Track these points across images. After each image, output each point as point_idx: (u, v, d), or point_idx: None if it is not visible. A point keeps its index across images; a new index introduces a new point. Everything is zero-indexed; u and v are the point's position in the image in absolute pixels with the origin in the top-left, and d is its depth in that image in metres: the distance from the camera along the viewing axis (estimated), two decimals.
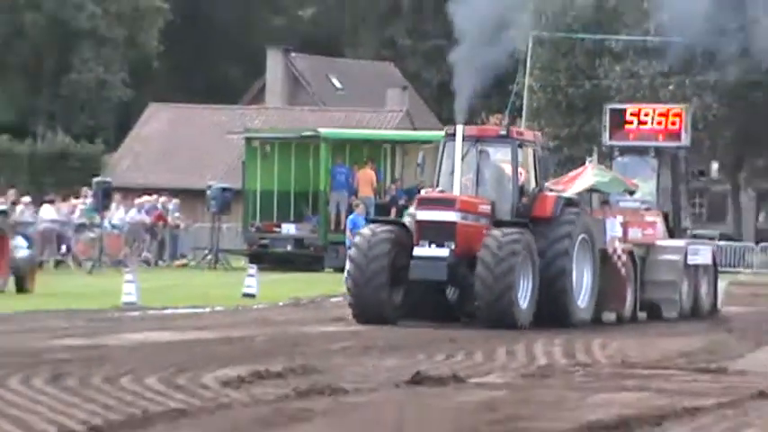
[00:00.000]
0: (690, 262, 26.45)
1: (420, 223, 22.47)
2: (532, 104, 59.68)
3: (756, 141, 61.58)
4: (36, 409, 11.75)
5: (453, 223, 22.05)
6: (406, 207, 35.41)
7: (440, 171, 23.67)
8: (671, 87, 56.62)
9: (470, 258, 21.97)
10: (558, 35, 60.55)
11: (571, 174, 26.82)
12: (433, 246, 21.96)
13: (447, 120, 62.30)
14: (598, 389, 14.55)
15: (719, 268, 30.48)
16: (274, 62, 69.22)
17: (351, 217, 33.28)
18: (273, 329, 21.34)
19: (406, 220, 23.94)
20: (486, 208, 22.78)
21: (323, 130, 45.21)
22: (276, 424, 11.02)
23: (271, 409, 11.93)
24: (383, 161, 45.84)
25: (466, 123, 23.65)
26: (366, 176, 43.13)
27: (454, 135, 22.90)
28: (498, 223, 22.53)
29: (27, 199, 39.56)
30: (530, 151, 23.98)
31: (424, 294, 22.81)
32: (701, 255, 27.35)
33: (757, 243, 56.51)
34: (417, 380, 14.34)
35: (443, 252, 21.88)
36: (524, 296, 21.92)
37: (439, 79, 71.70)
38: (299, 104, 64.74)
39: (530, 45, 57.94)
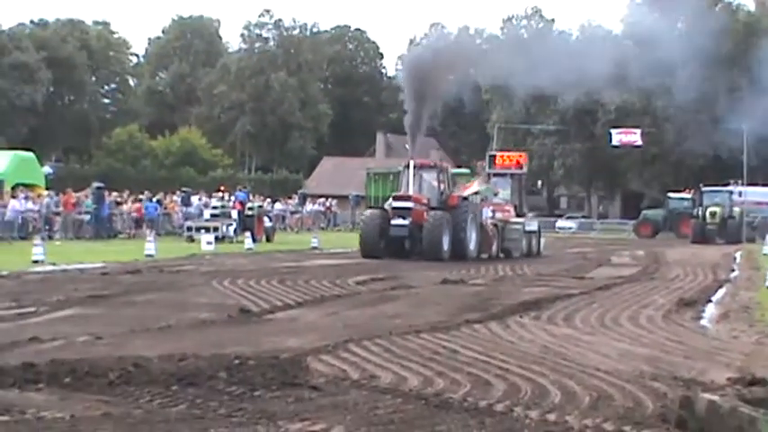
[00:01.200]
0: (526, 229, 42.43)
1: (394, 208, 37.38)
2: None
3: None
4: (258, 295, 24.30)
5: (410, 208, 37.00)
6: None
7: (401, 183, 38.84)
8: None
9: (419, 225, 36.44)
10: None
11: (466, 185, 42.22)
12: (400, 219, 36.85)
13: (463, 162, 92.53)
14: (527, 285, 26.11)
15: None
16: (380, 138, 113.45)
17: None
18: (380, 262, 34.39)
19: (386, 206, 38.72)
20: (425, 201, 37.69)
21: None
22: (383, 300, 21.35)
23: (379, 294, 22.62)
24: None
25: (413, 159, 39.09)
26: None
27: (408, 165, 38.44)
28: (432, 209, 37.30)
29: (268, 200, 66.50)
30: (446, 173, 39.52)
31: (394, 244, 37.17)
32: (532, 225, 43.96)
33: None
34: (444, 281, 26.38)
35: (406, 222, 36.73)
36: (445, 245, 36.28)
37: (453, 144, 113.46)
38: (391, 157, 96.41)
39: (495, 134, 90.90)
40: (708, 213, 64.74)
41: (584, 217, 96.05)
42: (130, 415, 9.62)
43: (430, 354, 13.75)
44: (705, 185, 67.87)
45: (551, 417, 10.07)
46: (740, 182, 68.92)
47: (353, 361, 12.95)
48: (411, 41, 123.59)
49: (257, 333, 15.65)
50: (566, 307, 20.68)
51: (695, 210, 66.63)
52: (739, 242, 60.96)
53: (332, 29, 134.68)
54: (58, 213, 46.97)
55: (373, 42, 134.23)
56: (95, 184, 49.88)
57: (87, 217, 47.80)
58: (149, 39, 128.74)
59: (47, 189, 51.41)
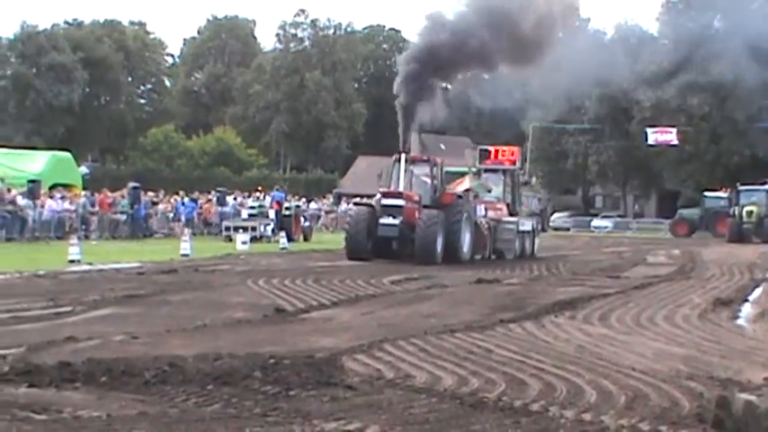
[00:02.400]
0: (520, 228, 39.24)
1: (383, 206, 34.34)
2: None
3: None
4: (294, 295, 24.16)
5: (401, 206, 34.07)
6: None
7: (391, 179, 35.52)
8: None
9: (410, 225, 33.57)
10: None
11: (457, 181, 38.67)
12: (390, 218, 33.89)
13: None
14: (562, 284, 26.02)
15: None
16: (415, 137, 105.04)
17: None
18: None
19: (373, 202, 35.81)
20: (417, 198, 34.68)
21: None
22: (417, 299, 21.40)
23: (414, 294, 22.78)
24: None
25: (405, 152, 35.84)
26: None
27: (399, 159, 35.48)
28: (424, 207, 34.36)
29: (304, 199, 66.96)
30: (439, 168, 36.10)
31: (383, 245, 34.25)
32: (526, 225, 40.49)
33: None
34: (479, 281, 26.43)
35: (396, 221, 33.75)
36: (439, 246, 33.34)
37: (488, 143, 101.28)
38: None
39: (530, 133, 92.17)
40: (744, 212, 64.27)
41: (619, 216, 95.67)
42: (166, 414, 9.65)
43: (465, 353, 13.72)
44: (741, 184, 67.36)
45: (587, 416, 10.05)
46: None
47: (388, 360, 12.94)
48: None
49: (292, 332, 15.67)
50: (601, 306, 20.64)
51: (731, 209, 66.16)
52: None
53: (366, 28, 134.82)
54: (94, 213, 47.08)
55: (407, 41, 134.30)
56: (131, 184, 49.99)
57: (123, 217, 47.96)
58: (185, 39, 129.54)
59: (83, 189, 51.60)
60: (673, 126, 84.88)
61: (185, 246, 35.15)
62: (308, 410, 9.90)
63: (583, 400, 10.88)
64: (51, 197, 44.92)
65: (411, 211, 33.87)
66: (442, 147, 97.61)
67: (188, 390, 10.76)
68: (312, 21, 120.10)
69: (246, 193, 61.05)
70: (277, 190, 54.43)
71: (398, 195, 34.35)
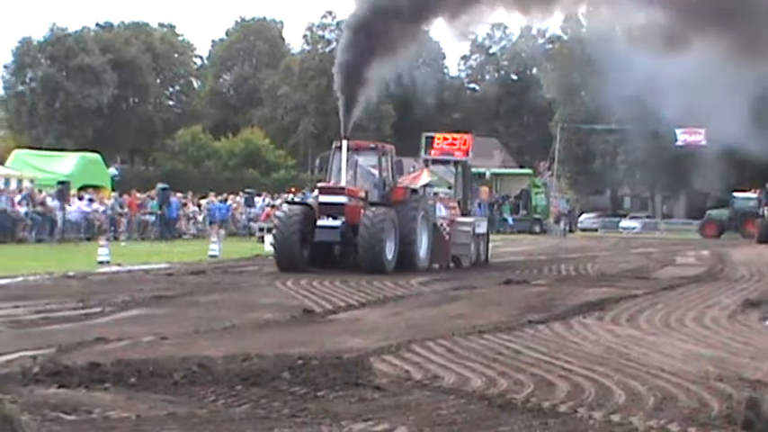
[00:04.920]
0: (476, 231, 33.34)
1: (321, 204, 28.71)
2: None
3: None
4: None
5: (342, 204, 28.44)
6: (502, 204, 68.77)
7: (331, 171, 30.11)
8: None
9: (354, 226, 28.04)
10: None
11: (411, 175, 33.53)
12: (330, 218, 28.29)
13: (526, 163, 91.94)
14: (590, 285, 26.05)
15: None
16: None
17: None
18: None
19: (310, 201, 30.99)
20: (362, 194, 29.29)
21: (483, 170, 69.52)
22: (445, 300, 21.66)
23: (441, 295, 23.02)
24: (493, 183, 72.72)
25: (346, 139, 30.02)
26: (485, 190, 68.32)
27: (340, 147, 29.81)
28: (371, 204, 28.99)
29: None
30: (389, 158, 30.57)
31: (322, 251, 28.99)
32: (482, 227, 34.44)
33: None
34: (507, 282, 26.41)
35: (337, 222, 28.20)
36: (389, 251, 28.13)
37: (516, 144, 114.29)
38: None
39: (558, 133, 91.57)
40: None
41: (648, 217, 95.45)
42: (195, 415, 9.68)
43: (493, 354, 13.72)
44: None
45: (615, 417, 10.02)
46: None
47: (416, 361, 12.95)
48: (473, 42, 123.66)
49: (320, 333, 15.71)
50: (629, 307, 20.60)
51: (761, 209, 65.90)
52: None
53: None
54: (123, 214, 47.30)
55: (435, 42, 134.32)
56: (160, 186, 50.21)
57: (152, 218, 48.15)
58: (213, 41, 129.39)
59: (112, 190, 51.87)
60: (702, 126, 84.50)
61: (214, 247, 35.27)
62: (336, 411, 9.89)
63: (611, 401, 10.84)
64: (80, 198, 45.16)
65: (355, 210, 28.41)
66: None
67: (217, 390, 10.78)
68: (339, 22, 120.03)
69: (275, 194, 61.11)
70: (309, 191, 54.41)
71: (340, 191, 28.85)
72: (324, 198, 28.81)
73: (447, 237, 31.51)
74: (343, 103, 31.21)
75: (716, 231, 73.52)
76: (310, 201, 30.63)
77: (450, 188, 34.88)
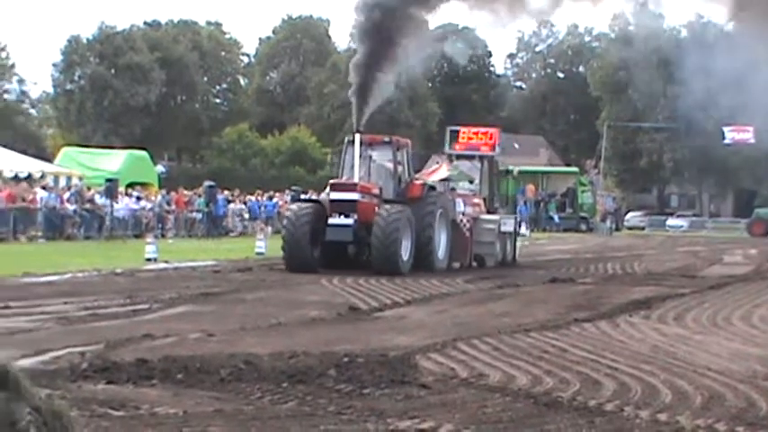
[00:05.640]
0: (502, 229, 31.79)
1: (333, 201, 27.21)
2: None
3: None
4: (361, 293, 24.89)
5: (355, 201, 26.88)
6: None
7: (343, 166, 29.02)
8: None
9: (367, 225, 26.57)
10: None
11: (429, 169, 32.56)
12: (342, 216, 26.80)
13: (572, 160, 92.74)
14: (636, 284, 26.32)
15: None
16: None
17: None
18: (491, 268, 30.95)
19: (322, 198, 29.20)
20: (376, 191, 27.82)
21: (511, 167, 66.91)
22: (491, 298, 21.86)
23: (487, 292, 23.24)
24: (540, 181, 72.39)
25: (360, 132, 28.59)
26: (531, 188, 69.05)
27: (353, 141, 28.41)
28: (386, 201, 27.54)
29: None
30: (404, 152, 29.13)
31: (333, 251, 27.42)
32: (508, 225, 32.72)
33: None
34: (553, 280, 26.66)
35: (350, 221, 26.70)
36: (405, 251, 26.79)
37: (562, 142, 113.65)
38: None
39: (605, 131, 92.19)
40: None
41: (695, 215, 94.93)
42: (241, 411, 9.72)
43: (539, 352, 13.72)
44: None
45: (662, 417, 9.99)
46: None
47: (462, 359, 12.95)
48: (519, 40, 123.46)
49: (366, 331, 15.75)
50: (676, 306, 20.55)
51: None
52: None
53: (438, 27, 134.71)
54: (170, 212, 47.55)
55: (482, 40, 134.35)
56: (207, 183, 50.40)
57: (199, 215, 48.36)
58: (260, 39, 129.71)
59: (159, 188, 52.15)
60: (750, 124, 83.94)
61: (260, 244, 35.35)
62: (382, 409, 9.91)
63: (658, 400, 10.81)
64: (128, 195, 45.44)
65: (368, 208, 27.13)
66: (516, 146, 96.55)
67: (263, 387, 10.82)
68: None
69: (319, 193, 61.28)
70: None
71: (352, 188, 27.40)
72: (335, 195, 27.42)
73: (468, 234, 30.04)
74: (356, 95, 29.86)
75: (764, 230, 73.03)
76: (322, 198, 28.97)
77: (471, 182, 33.08)
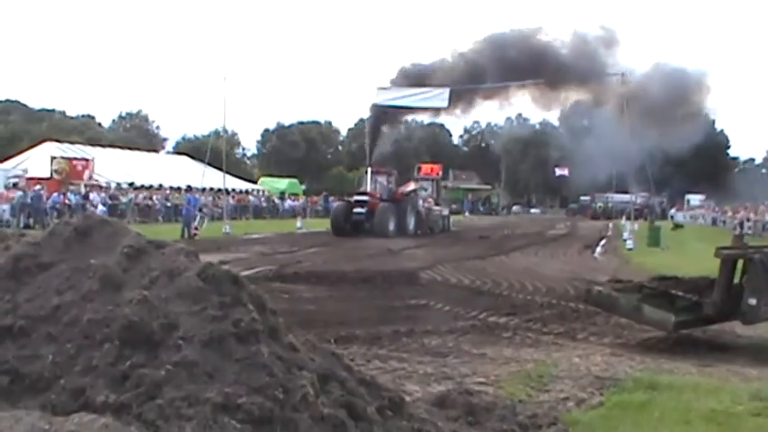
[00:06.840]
0: (443, 214, 29.13)
1: (356, 201, 25.13)
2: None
3: None
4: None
5: (366, 201, 24.71)
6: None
7: (362, 183, 27.29)
8: None
9: (373, 212, 24.29)
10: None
11: (406, 185, 27.95)
12: (360, 208, 24.67)
13: (490, 183, 72.36)
14: (517, 239, 23.40)
15: None
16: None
17: None
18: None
19: (351, 199, 25.84)
20: (378, 195, 25.52)
21: (461, 185, 57.87)
22: (448, 246, 19.18)
23: (444, 244, 19.96)
24: (474, 192, 62.22)
25: (371, 166, 27.13)
26: (470, 195, 57.42)
27: (366, 171, 27.20)
28: (382, 200, 25.21)
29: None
30: (393, 177, 27.04)
31: (356, 225, 24.53)
32: (445, 211, 29.88)
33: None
34: (481, 237, 23.67)
35: (363, 210, 24.53)
36: (391, 225, 24.28)
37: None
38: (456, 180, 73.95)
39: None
40: None
41: (544, 209, 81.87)
42: (349, 297, 9.57)
43: (474, 269, 13.22)
44: None
45: (528, 297, 9.76)
46: None
47: (439, 272, 12.48)
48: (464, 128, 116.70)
49: (394, 259, 15.05)
50: (534, 248, 19.61)
51: None
52: None
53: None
54: (306, 207, 47.06)
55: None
56: (324, 193, 49.65)
57: (320, 208, 47.25)
58: (348, 129, 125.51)
59: (303, 194, 52.03)
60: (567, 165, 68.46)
61: (299, 224, 30.29)
62: (403, 294, 9.57)
63: (525, 290, 10.55)
64: (290, 199, 45.57)
65: (373, 204, 24.87)
66: (463, 176, 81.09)
67: (349, 285, 10.56)
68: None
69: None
70: None
71: (365, 193, 25.58)
72: (357, 198, 25.50)
73: (425, 216, 27.17)
74: (369, 143, 28.04)
75: (573, 214, 57.15)
76: (352, 199, 25.96)
77: (425, 191, 30.10)
